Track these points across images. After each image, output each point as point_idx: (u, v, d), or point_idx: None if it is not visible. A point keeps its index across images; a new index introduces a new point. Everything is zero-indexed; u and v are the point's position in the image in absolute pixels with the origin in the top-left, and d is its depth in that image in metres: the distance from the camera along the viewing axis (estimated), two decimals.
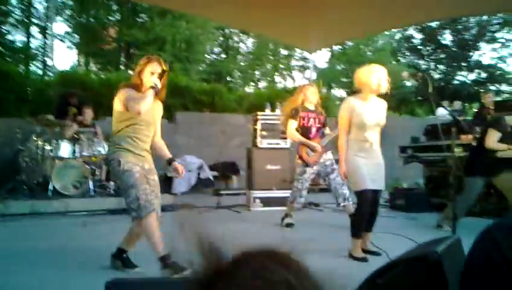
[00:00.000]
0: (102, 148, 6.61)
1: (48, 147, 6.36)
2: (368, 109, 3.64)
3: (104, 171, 6.84)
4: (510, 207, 4.80)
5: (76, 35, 19.57)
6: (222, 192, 7.31)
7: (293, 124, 4.98)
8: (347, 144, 3.68)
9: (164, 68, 3.22)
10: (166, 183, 7.98)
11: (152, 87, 3.10)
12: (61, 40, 19.14)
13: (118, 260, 3.35)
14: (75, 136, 6.59)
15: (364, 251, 3.72)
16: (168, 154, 3.51)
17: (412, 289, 2.25)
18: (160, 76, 3.19)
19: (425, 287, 2.20)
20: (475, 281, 0.66)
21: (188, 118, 9.27)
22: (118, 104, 3.15)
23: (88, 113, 7.27)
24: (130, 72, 16.99)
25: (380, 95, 3.74)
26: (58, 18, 18.79)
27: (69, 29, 19.56)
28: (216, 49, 22.46)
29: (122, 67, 19.07)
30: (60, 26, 18.97)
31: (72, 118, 7.26)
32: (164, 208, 6.07)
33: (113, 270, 3.31)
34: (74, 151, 6.39)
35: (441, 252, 2.18)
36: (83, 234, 4.71)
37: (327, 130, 4.98)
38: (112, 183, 6.54)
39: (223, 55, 22.78)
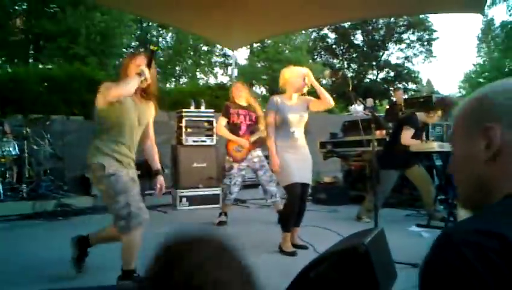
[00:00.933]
0: (12, 148, 6.12)
1: None
2: (292, 107, 3.79)
3: (15, 173, 6.34)
4: (421, 198, 5.20)
5: None
6: (146, 192, 7.08)
7: (222, 121, 5.05)
8: (275, 141, 3.78)
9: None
10: (84, 184, 7.58)
11: (138, 74, 2.77)
12: None
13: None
14: None
15: (294, 245, 3.83)
16: (157, 164, 3.20)
17: (343, 280, 2.37)
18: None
19: (355, 278, 2.33)
20: None
21: None
22: (99, 100, 2.76)
23: None
24: (40, 65, 15.91)
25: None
26: None
27: None
28: (134, 43, 21.72)
29: (31, 60, 17.73)
30: None
31: None
32: (84, 211, 5.85)
33: (33, 281, 3.08)
34: None
35: (368, 243, 2.32)
36: None
37: (261, 127, 5.04)
38: (24, 186, 6.08)
39: (142, 50, 22.10)
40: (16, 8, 17.93)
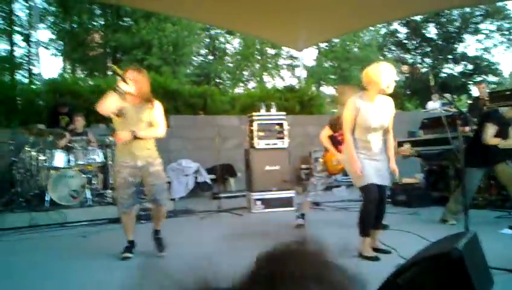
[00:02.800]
0: (97, 156, 6.51)
1: (41, 158, 6.24)
2: (374, 111, 3.59)
3: (100, 180, 6.74)
4: (511, 197, 4.82)
5: (60, 42, 19.33)
6: (221, 195, 7.24)
7: (327, 131, 5.00)
8: (353, 142, 3.65)
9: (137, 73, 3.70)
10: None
11: (113, 90, 3.52)
12: (46, 48, 18.90)
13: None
14: (69, 145, 6.49)
15: (374, 249, 3.69)
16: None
17: (435, 286, 2.22)
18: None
19: (449, 284, 2.18)
20: None
21: (181, 122, 9.18)
22: None
23: (79, 121, 7.18)
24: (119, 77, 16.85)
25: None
26: (41, 25, 18.53)
27: (53, 36, 19.33)
28: (203, 51, 22.37)
29: (109, 72, 18.88)
30: (43, 33, 18.66)
31: (64, 127, 7.16)
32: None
33: (116, 280, 3.22)
34: (69, 161, 6.27)
35: (462, 248, 2.16)
36: (83, 245, 4.61)
37: None
38: (109, 191, 6.44)
39: (210, 57, 22.70)
40: (94, 24, 19.19)
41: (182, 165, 7.89)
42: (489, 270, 2.54)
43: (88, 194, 6.15)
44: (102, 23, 19.11)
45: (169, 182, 7.69)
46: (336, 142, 4.89)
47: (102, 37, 19.09)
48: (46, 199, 5.87)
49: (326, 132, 4.98)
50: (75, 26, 18.90)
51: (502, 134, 4.70)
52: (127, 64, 17.87)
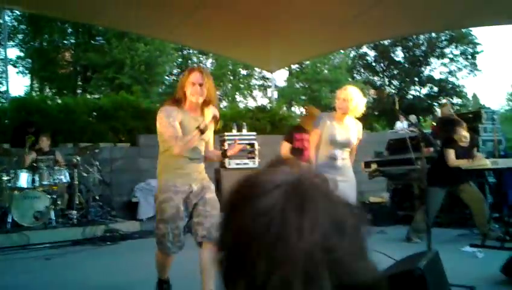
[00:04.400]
0: (63, 176, 6.37)
1: (5, 178, 6.06)
2: (340, 128, 3.67)
3: (66, 200, 6.59)
4: (473, 216, 4.97)
5: (29, 60, 18.98)
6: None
7: (286, 146, 5.19)
8: (316, 160, 3.71)
9: (206, 79, 2.84)
10: (130, 209, 7.77)
11: (200, 130, 2.76)
12: (13, 66, 18.49)
13: None
14: (34, 164, 6.32)
15: None
16: (217, 151, 3.34)
17: None
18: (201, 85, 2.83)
19: None
20: None
21: (151, 141, 9.01)
22: (159, 128, 2.89)
23: (45, 141, 7.03)
24: (88, 96, 16.65)
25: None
26: (10, 43, 18.18)
27: (22, 54, 18.97)
28: (175, 71, 22.37)
29: (79, 91, 18.63)
30: (11, 51, 18.27)
31: (30, 146, 7.00)
32: (130, 236, 5.97)
33: None
34: (33, 181, 6.11)
35: (423, 267, 2.23)
36: (46, 268, 4.47)
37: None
38: (74, 212, 6.29)
39: (194, 65, 22.75)
40: (65, 42, 18.96)
41: (151, 185, 7.77)
42: (449, 288, 2.61)
43: (52, 215, 5.98)
44: (74, 41, 18.91)
45: (137, 202, 7.58)
46: (298, 153, 4.97)
47: (73, 56, 18.86)
48: (8, 220, 5.68)
49: (285, 146, 5.12)
50: (45, 44, 18.63)
51: (466, 154, 4.87)
52: (98, 82, 17.72)
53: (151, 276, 3.36)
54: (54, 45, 18.40)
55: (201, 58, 22.75)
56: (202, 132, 2.78)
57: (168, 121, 2.78)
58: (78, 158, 6.65)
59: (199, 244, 2.78)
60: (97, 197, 6.94)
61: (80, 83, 19.45)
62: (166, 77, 21.28)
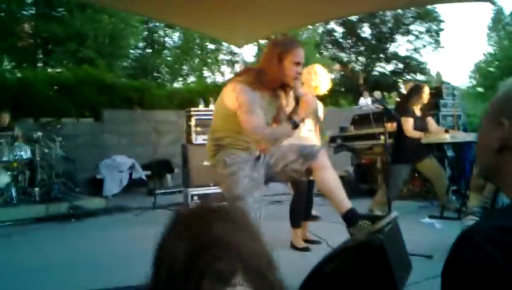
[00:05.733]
0: (24, 152, 6.18)
1: None
2: None
3: (27, 177, 6.41)
4: (434, 189, 5.15)
5: None
6: (157, 191, 7.12)
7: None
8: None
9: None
10: (95, 185, 7.65)
11: (293, 123, 2.36)
12: None
13: None
14: None
15: (305, 240, 3.82)
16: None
17: (358, 274, 2.35)
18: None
19: (371, 271, 2.31)
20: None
21: (116, 116, 8.91)
22: (230, 102, 2.38)
23: (4, 116, 6.78)
24: (49, 69, 16.02)
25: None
26: None
27: None
28: (141, 44, 21.79)
29: (40, 64, 17.89)
30: None
31: None
32: (95, 212, 5.90)
33: (56, 285, 3.10)
34: None
35: (383, 237, 2.30)
36: (7, 246, 4.37)
37: None
38: (36, 189, 6.13)
39: (149, 50, 22.17)
40: (24, 13, 18.06)
41: (116, 161, 7.67)
42: (408, 257, 2.71)
43: (13, 192, 5.82)
44: (33, 12, 18.03)
45: (102, 179, 7.46)
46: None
47: (33, 27, 18.01)
48: None
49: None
50: (3, 15, 17.68)
51: (421, 125, 4.96)
52: (60, 55, 17.02)
53: (116, 252, 3.35)
54: (12, 15, 17.48)
55: (167, 32, 22.21)
56: (296, 126, 2.39)
57: (253, 108, 2.32)
58: (40, 134, 6.45)
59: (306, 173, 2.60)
60: (60, 174, 6.78)
61: (40, 56, 18.65)
62: (132, 51, 20.69)
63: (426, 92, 4.99)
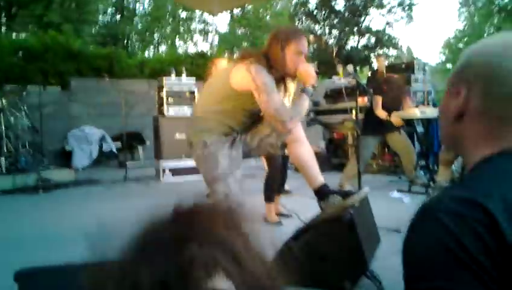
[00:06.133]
0: None
1: None
2: None
3: None
4: (402, 164, 5.28)
5: None
6: (128, 164, 7.02)
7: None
8: None
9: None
10: (65, 157, 7.47)
11: (304, 91, 2.39)
12: None
13: None
14: None
15: (277, 214, 3.87)
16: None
17: (328, 247, 2.40)
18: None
19: (341, 244, 2.37)
20: (427, 266, 0.66)
21: (84, 85, 8.65)
22: (242, 83, 2.31)
23: None
24: (13, 34, 15.31)
25: None
26: None
27: None
28: (110, 10, 21.07)
29: (3, 29, 17.07)
30: None
31: None
32: (64, 185, 5.78)
33: (20, 259, 3.04)
34: None
35: (353, 211, 2.35)
36: None
37: None
38: (2, 159, 5.94)
39: (118, 17, 21.46)
40: None
41: (85, 132, 7.49)
42: (377, 230, 2.79)
43: None
44: None
45: (70, 151, 7.29)
46: None
47: None
48: None
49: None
50: None
51: (394, 104, 5.05)
52: (25, 20, 16.28)
53: (86, 226, 3.29)
54: None
55: None
56: (311, 95, 2.45)
57: (273, 88, 2.28)
58: (4, 102, 6.21)
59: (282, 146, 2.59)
60: (27, 145, 6.58)
61: (3, 20, 17.78)
62: (100, 17, 20.01)
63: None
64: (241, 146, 2.57)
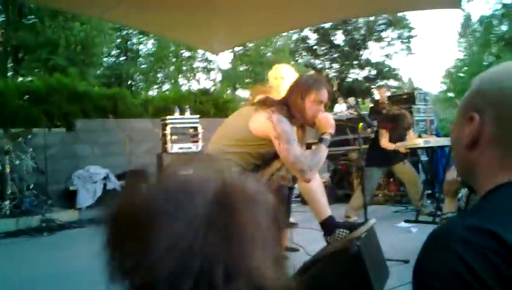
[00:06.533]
0: None
1: None
2: None
3: None
4: (408, 193, 5.24)
5: None
6: None
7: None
8: None
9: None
10: (68, 197, 7.46)
11: (321, 140, 2.40)
12: None
13: None
14: None
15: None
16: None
17: (336, 281, 2.35)
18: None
19: (349, 278, 2.32)
20: None
21: (89, 126, 8.75)
22: (263, 129, 2.32)
23: None
24: (20, 78, 15.64)
25: None
26: None
27: None
28: (114, 52, 21.54)
29: (10, 73, 17.47)
30: None
31: None
32: (68, 225, 5.74)
33: None
34: None
35: (359, 243, 2.31)
36: None
37: None
38: (7, 202, 5.93)
39: (122, 58, 21.93)
40: None
41: (90, 172, 7.51)
42: (385, 262, 2.73)
43: None
44: (3, 19, 17.61)
45: (75, 191, 7.29)
46: None
47: (3, 35, 17.58)
48: None
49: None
50: None
51: (398, 137, 5.08)
52: (31, 64, 16.65)
53: (90, 266, 3.26)
54: None
55: (141, 39, 22.03)
56: (329, 144, 2.48)
57: (294, 137, 2.29)
58: (10, 144, 6.26)
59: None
60: (31, 186, 6.58)
61: (10, 64, 18.22)
62: (105, 59, 20.44)
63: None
64: None
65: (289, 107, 2.35)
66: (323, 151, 2.39)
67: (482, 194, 0.76)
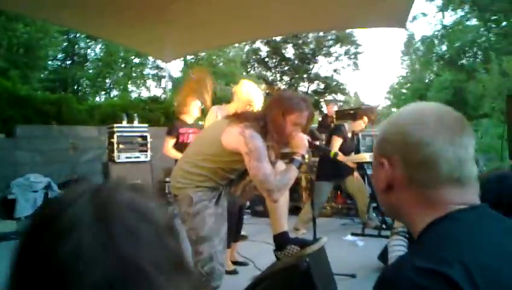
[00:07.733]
0: None
1: None
2: None
3: None
4: (356, 207, 5.36)
5: None
6: None
7: (169, 142, 4.64)
8: None
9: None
10: (6, 207, 7.04)
11: (298, 163, 2.38)
12: None
13: None
14: None
15: (233, 262, 3.77)
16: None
17: None
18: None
19: None
20: None
21: (30, 132, 8.31)
22: (233, 144, 2.28)
23: None
24: None
25: None
26: None
27: None
28: (60, 55, 20.72)
29: None
30: None
31: None
32: (6, 236, 5.41)
33: None
34: None
35: (309, 259, 2.33)
36: None
37: None
38: None
39: (69, 62, 21.14)
40: None
41: (30, 181, 7.12)
42: (333, 278, 2.77)
43: None
44: None
45: (14, 200, 6.89)
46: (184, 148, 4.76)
47: None
48: None
49: (168, 143, 4.65)
50: None
51: (346, 148, 5.20)
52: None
53: None
54: None
55: (89, 43, 21.35)
56: (301, 165, 2.46)
57: (265, 155, 2.24)
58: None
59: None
60: None
61: None
62: (50, 62, 19.62)
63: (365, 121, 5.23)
64: (226, 200, 2.56)
65: (266, 122, 2.32)
66: (293, 171, 2.36)
67: (415, 232, 0.79)
